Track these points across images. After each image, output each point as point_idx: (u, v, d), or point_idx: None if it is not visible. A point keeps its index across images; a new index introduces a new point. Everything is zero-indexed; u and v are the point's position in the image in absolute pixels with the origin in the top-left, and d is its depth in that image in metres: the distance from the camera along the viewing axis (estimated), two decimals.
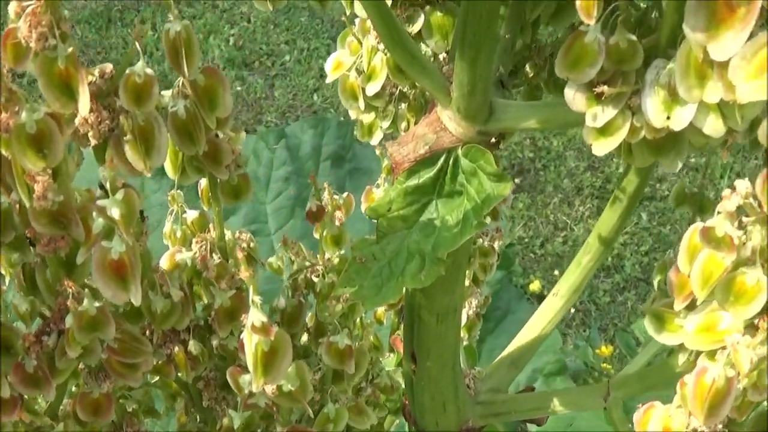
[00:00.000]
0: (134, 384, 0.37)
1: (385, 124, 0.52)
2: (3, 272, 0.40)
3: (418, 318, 0.48)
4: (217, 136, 0.38)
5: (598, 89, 0.29)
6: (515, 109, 0.39)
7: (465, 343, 0.64)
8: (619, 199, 0.53)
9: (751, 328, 0.31)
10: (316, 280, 0.44)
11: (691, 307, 0.34)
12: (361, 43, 0.50)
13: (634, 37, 0.29)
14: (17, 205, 0.35)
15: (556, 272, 1.98)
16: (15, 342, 0.36)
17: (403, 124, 0.52)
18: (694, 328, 0.33)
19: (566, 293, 0.57)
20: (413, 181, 0.41)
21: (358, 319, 0.48)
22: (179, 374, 0.41)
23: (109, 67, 0.35)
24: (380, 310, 0.63)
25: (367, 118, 0.52)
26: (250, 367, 0.30)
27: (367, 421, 0.45)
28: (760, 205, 0.28)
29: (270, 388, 0.30)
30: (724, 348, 0.32)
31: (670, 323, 0.35)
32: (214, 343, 0.40)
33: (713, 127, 0.29)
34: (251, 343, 0.29)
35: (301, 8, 2.48)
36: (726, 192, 0.29)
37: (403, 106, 0.51)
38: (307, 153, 1.25)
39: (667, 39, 0.30)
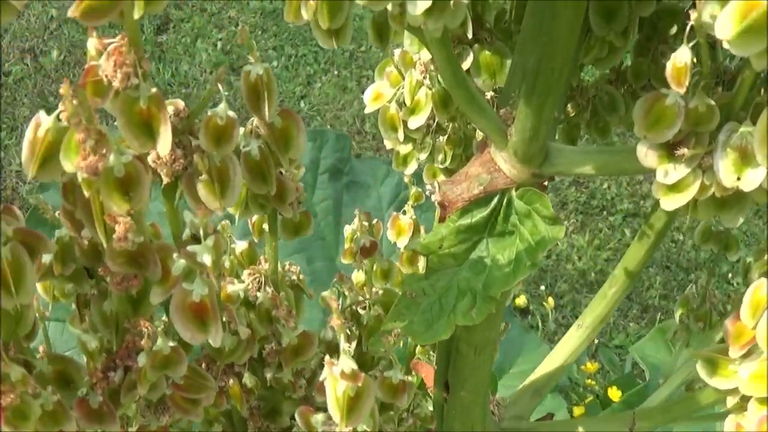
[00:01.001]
0: (195, 419, 0.37)
1: (423, 155, 0.53)
2: (46, 299, 0.41)
3: (456, 350, 0.49)
4: (281, 172, 0.38)
5: (679, 151, 0.30)
6: (571, 154, 0.40)
7: None
8: (646, 234, 0.54)
9: None
10: (362, 312, 0.45)
11: (746, 355, 0.35)
12: (402, 75, 0.51)
13: (712, 102, 0.30)
14: (84, 240, 0.36)
15: (542, 287, 2.00)
16: (76, 377, 0.36)
17: (440, 156, 0.53)
18: (749, 374, 0.35)
19: (591, 324, 0.59)
20: (466, 220, 0.42)
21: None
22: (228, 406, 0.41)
23: (181, 104, 0.36)
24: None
25: (405, 149, 0.53)
26: (333, 411, 0.30)
27: None
28: None
29: (348, 430, 0.31)
30: None
31: (723, 369, 0.36)
32: (268, 375, 0.41)
33: None
34: (336, 389, 0.30)
35: None
36: None
37: (442, 138, 0.52)
38: (305, 165, 1.25)
39: (742, 103, 0.31)
